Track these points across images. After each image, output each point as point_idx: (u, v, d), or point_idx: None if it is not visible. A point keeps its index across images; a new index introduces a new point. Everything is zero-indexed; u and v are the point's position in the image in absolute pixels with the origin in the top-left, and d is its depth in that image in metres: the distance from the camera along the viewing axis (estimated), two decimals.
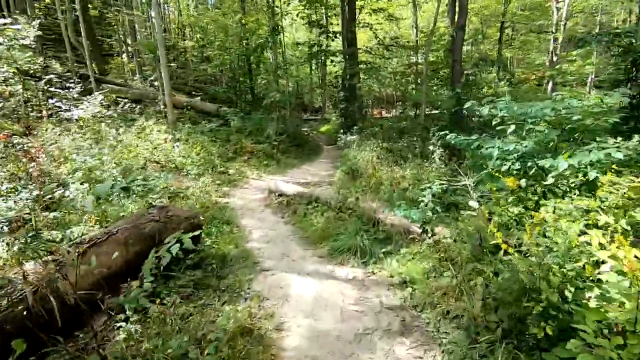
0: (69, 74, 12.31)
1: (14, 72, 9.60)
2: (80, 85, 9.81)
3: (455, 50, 14.28)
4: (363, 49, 16.27)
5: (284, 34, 20.46)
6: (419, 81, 16.26)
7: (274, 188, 7.83)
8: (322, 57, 18.57)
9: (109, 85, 13.97)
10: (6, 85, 9.99)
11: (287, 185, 7.59)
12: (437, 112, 17.23)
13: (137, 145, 9.11)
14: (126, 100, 13.43)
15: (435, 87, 16.91)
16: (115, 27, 20.25)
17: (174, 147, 9.12)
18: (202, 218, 5.60)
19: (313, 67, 28.93)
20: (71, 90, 9.62)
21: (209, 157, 9.81)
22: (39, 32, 9.80)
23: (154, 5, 11.24)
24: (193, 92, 20.98)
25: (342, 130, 17.07)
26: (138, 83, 18.49)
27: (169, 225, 4.28)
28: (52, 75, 9.28)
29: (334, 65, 18.56)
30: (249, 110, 16.92)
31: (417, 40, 21.15)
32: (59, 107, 9.00)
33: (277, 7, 13.92)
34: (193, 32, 26.58)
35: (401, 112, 15.68)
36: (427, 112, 17.13)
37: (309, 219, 6.15)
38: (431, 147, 9.06)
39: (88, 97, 9.45)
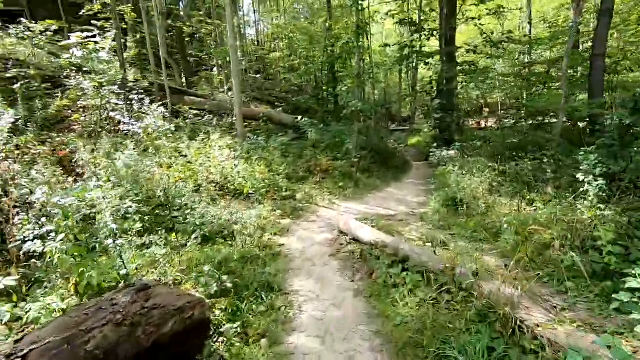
0: (150, 86, 11.88)
1: (95, 85, 9.15)
2: (142, 96, 8.94)
3: (596, 42, 10.51)
4: (465, 48, 13.20)
5: (370, 38, 18.34)
6: (536, 85, 12.58)
7: (345, 228, 5.63)
8: (414, 60, 15.90)
9: (190, 97, 13.40)
10: (91, 99, 9.63)
11: (363, 228, 5.31)
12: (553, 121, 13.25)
13: (196, 162, 7.77)
14: (200, 112, 12.67)
15: (554, 91, 12.98)
16: (207, 41, 20.40)
17: (234, 165, 7.56)
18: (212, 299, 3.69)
19: (403, 72, 26.14)
20: (134, 101, 8.77)
21: (274, 178, 8.05)
22: (114, 43, 9.22)
23: (227, 12, 10.03)
24: (277, 103, 20.09)
25: (435, 144, 14.19)
26: (225, 95, 18.11)
27: (142, 329, 2.39)
28: (115, 87, 8.49)
29: (428, 69, 15.75)
30: (328, 120, 15.14)
31: (530, 36, 17.14)
32: (120, 120, 8.15)
33: (362, 3, 11.79)
34: (282, 44, 26.00)
35: (514, 122, 12.19)
36: (539, 123, 13.25)
37: (392, 295, 3.80)
38: (580, 176, 5.94)
39: (150, 109, 8.50)
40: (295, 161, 9.81)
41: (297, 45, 18.84)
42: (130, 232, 4.33)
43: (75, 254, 3.18)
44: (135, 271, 3.66)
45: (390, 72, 24.75)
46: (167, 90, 10.70)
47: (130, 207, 4.26)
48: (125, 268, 3.58)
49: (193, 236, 4.88)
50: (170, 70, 17.09)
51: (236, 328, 3.22)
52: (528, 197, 6.89)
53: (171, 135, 8.48)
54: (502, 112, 22.70)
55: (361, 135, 11.58)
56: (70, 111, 9.73)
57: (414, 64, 17.79)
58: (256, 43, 30.85)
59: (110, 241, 3.40)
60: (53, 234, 3.28)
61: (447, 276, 3.61)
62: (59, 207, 3.06)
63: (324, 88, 17.61)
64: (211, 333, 3.06)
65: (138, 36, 17.22)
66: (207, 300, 3.36)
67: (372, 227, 5.63)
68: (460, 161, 12.16)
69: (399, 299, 3.65)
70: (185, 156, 8.17)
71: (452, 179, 8.13)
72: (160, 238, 4.73)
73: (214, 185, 7.50)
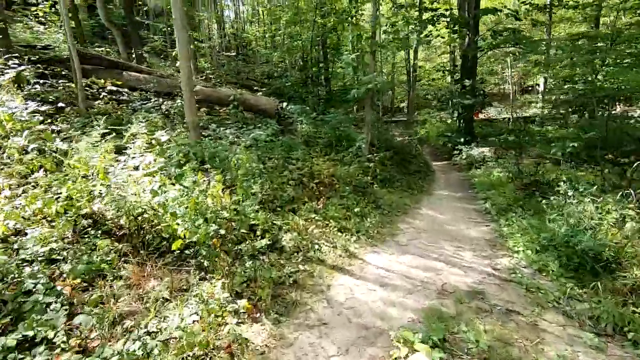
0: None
1: None
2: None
3: None
4: (505, 12, 9.42)
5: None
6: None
7: None
8: (419, 36, 11.67)
9: (131, 73, 9.17)
10: None
11: None
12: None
13: (87, 179, 3.76)
14: (146, 92, 8.56)
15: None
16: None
17: (154, 190, 3.55)
18: None
19: (398, 57, 22.15)
20: None
21: (240, 206, 4.11)
22: None
23: None
24: (255, 88, 15.94)
25: (462, 139, 10.52)
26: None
27: None
28: None
29: (447, 44, 11.95)
30: (322, 109, 11.23)
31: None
32: None
33: None
34: (263, 14, 21.54)
35: (580, 114, 8.55)
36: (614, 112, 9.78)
37: None
38: None
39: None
40: (279, 170, 5.89)
41: (279, 14, 14.71)
42: None
43: None
44: None
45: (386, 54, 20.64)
46: (74, 59, 6.46)
47: None
48: None
49: None
50: (106, 42, 12.69)
51: None
52: None
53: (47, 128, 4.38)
54: (513, 101, 19.34)
55: (374, 128, 7.72)
56: None
57: (418, 40, 13.76)
58: (234, 23, 26.24)
59: None
60: None
61: None
62: None
63: (314, 69, 13.60)
64: None
65: None
66: None
67: None
68: (502, 162, 8.58)
69: None
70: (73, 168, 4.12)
71: (562, 210, 4.37)
72: None
73: (117, 229, 3.54)
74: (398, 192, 6.85)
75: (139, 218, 3.59)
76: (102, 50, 11.33)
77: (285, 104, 10.00)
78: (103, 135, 5.37)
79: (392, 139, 9.26)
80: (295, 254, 3.92)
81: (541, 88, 16.29)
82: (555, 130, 10.78)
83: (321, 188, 5.76)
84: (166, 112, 8.20)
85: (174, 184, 3.68)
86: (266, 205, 4.88)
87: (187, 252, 3.49)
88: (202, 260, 3.32)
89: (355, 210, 5.25)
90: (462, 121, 10.80)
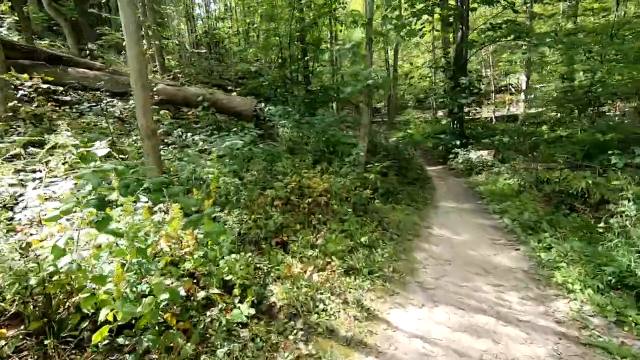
0: None
1: None
2: None
3: None
4: (503, 4, 8.51)
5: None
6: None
7: None
8: (399, 33, 10.62)
9: (79, 70, 7.59)
10: None
11: None
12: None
13: None
14: (101, 92, 7.02)
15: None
16: None
17: (62, 245, 2.19)
18: None
19: (375, 56, 21.18)
20: None
21: (212, 253, 2.82)
22: None
23: None
24: (230, 88, 14.46)
25: (457, 142, 9.56)
26: (157, 75, 12.16)
27: None
28: None
29: (436, 39, 10.99)
30: (304, 110, 9.94)
31: None
32: None
33: None
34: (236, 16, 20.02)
35: (579, 113, 7.71)
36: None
37: None
38: None
39: None
40: (260, 185, 4.61)
41: (253, 9, 13.35)
42: None
43: None
44: None
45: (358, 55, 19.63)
46: None
47: None
48: None
49: None
50: (59, 37, 10.88)
51: None
52: None
53: None
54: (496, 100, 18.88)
55: (371, 133, 6.55)
56: None
57: (400, 38, 12.74)
58: (206, 20, 24.40)
59: None
60: None
61: None
62: None
63: (292, 66, 12.32)
64: None
65: None
66: None
67: None
68: (508, 168, 7.68)
69: None
70: None
71: None
72: None
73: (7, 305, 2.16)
74: (402, 207, 5.71)
75: (44, 286, 2.21)
76: (53, 45, 9.55)
77: (263, 104, 8.70)
78: (25, 147, 3.92)
79: (387, 143, 8.16)
80: (292, 320, 2.67)
81: (523, 86, 15.72)
82: (548, 130, 10.03)
83: (315, 207, 4.52)
84: (120, 116, 6.70)
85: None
86: (246, 238, 3.60)
87: (121, 338, 2.16)
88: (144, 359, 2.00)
89: (361, 238, 4.04)
90: (455, 122, 9.86)
